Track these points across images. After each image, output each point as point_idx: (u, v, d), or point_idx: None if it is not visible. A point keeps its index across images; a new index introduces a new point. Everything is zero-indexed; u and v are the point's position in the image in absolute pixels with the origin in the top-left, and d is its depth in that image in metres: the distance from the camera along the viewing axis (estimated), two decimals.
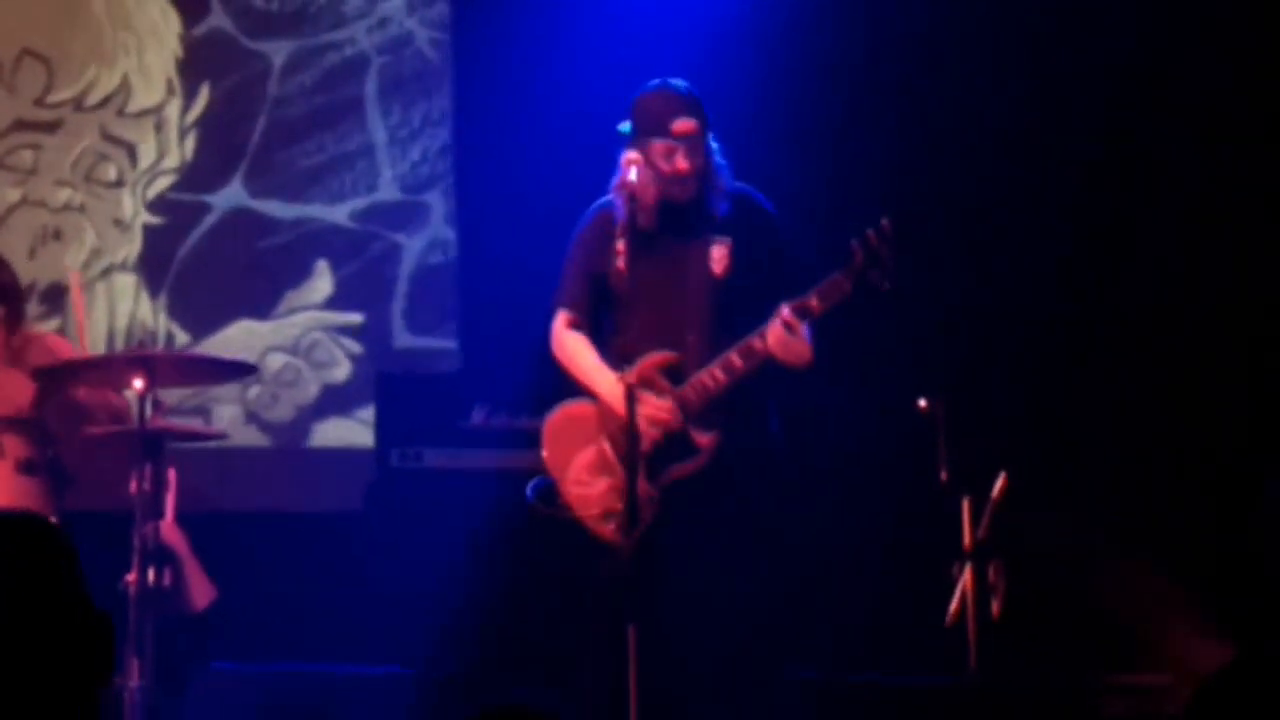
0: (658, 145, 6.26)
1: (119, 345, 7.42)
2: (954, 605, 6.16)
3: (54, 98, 7.32)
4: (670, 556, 6.28)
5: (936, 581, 6.22)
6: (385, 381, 7.59)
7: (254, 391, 7.28)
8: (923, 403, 6.24)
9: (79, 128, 7.26)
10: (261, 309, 7.28)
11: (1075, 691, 7.06)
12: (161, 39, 7.43)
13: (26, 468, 6.73)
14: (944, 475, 6.16)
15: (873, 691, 7.17)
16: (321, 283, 7.35)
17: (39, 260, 7.25)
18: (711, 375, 6.26)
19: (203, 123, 7.28)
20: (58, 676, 3.06)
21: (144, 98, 7.30)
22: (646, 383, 6.35)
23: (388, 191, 7.34)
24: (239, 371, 6.82)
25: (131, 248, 7.31)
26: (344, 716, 7.28)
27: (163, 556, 6.63)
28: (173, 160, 7.29)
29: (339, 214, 7.34)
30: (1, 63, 7.30)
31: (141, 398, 6.41)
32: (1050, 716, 7.05)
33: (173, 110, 7.28)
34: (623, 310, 6.36)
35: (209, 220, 7.32)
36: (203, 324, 7.26)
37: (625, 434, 6.19)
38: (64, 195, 7.31)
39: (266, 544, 7.79)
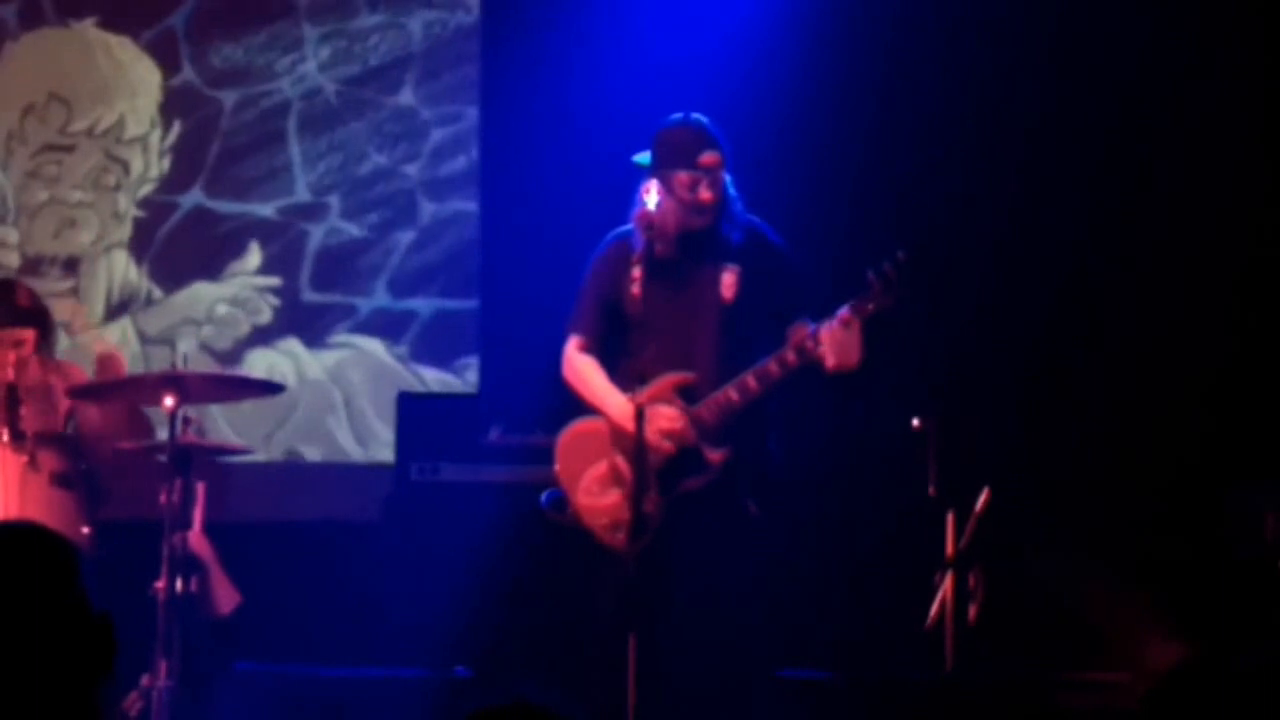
0: (682, 177, 6.54)
1: (115, 299, 8.45)
2: (934, 609, 6.48)
3: (72, 128, 8.45)
4: (674, 563, 6.55)
5: (921, 587, 6.59)
6: (406, 401, 8.16)
7: (206, 330, 8.40)
8: (916, 422, 6.60)
9: (89, 149, 8.45)
10: (212, 273, 8.45)
11: (1041, 688, 7.23)
12: (148, 88, 8.51)
13: (61, 481, 7.11)
14: (932, 490, 6.52)
15: (857, 688, 7.32)
16: (254, 256, 8.49)
17: (60, 240, 8.44)
18: (726, 396, 6.52)
19: (175, 147, 8.46)
20: (56, 674, 3.12)
21: (135, 129, 8.47)
22: (661, 401, 6.56)
23: (301, 195, 8.48)
24: (266, 390, 7.73)
25: (124, 232, 8.47)
26: (361, 716, 7.51)
27: (190, 564, 7.02)
28: (154, 172, 8.48)
29: (267, 210, 8.47)
30: (35, 103, 8.41)
31: (172, 415, 6.93)
32: (1018, 710, 7.18)
33: (154, 138, 8.48)
34: (637, 334, 6.61)
35: (178, 214, 8.49)
36: (172, 284, 8.45)
37: (632, 452, 6.43)
38: (78, 195, 8.46)
39: (290, 553, 8.17)
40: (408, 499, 7.88)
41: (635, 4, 8.41)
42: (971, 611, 6.38)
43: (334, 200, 8.51)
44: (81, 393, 7.32)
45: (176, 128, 8.48)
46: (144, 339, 8.41)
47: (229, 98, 8.52)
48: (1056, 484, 8.05)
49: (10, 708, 3.09)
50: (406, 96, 8.50)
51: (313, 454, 8.48)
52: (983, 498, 6.47)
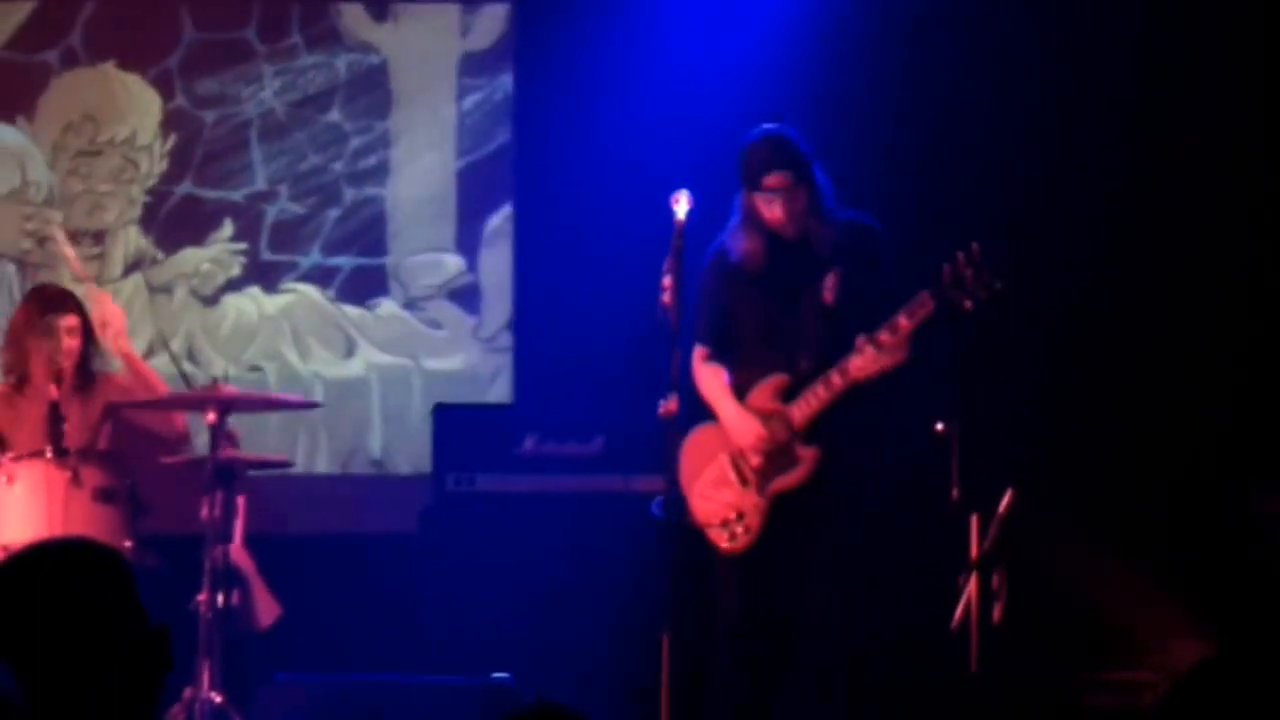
0: (757, 196, 6.20)
1: (130, 260, 9.09)
2: (959, 611, 6.05)
3: (99, 139, 9.17)
4: (775, 564, 6.21)
5: (946, 590, 6.17)
6: (442, 412, 7.83)
7: (194, 282, 9.12)
8: (939, 426, 6.14)
9: (111, 154, 9.15)
10: (199, 241, 9.22)
11: (1067, 688, 6.76)
12: (152, 110, 9.24)
13: (104, 496, 6.64)
14: (955, 493, 6.09)
15: (883, 690, 6.69)
16: (227, 228, 9.25)
17: (91, 218, 9.15)
18: (814, 393, 6.18)
19: (171, 152, 9.21)
20: (117, 687, 2.89)
21: (143, 139, 9.20)
22: (758, 408, 6.21)
23: (260, 185, 9.24)
24: (303, 407, 7.94)
25: (136, 212, 9.21)
26: None
27: (231, 577, 6.55)
28: (157, 170, 9.20)
29: (237, 196, 9.24)
30: (72, 122, 9.11)
31: (213, 429, 6.64)
32: (1044, 711, 6.78)
33: (157, 145, 9.19)
34: (740, 341, 6.28)
35: (174, 199, 9.25)
36: (170, 249, 9.15)
37: (739, 455, 6.17)
38: (104, 187, 9.15)
39: (329, 564, 7.79)
40: (444, 509, 7.52)
41: (666, 10, 8.39)
42: (996, 613, 6.00)
43: (283, 189, 9.22)
44: (126, 409, 7.23)
45: (173, 138, 9.19)
46: (150, 288, 9.12)
47: (209, 116, 9.22)
48: (1079, 486, 7.58)
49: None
50: (334, 115, 9.23)
51: (269, 366, 9.11)
52: (1006, 500, 6.09)
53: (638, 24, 8.31)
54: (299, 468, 8.28)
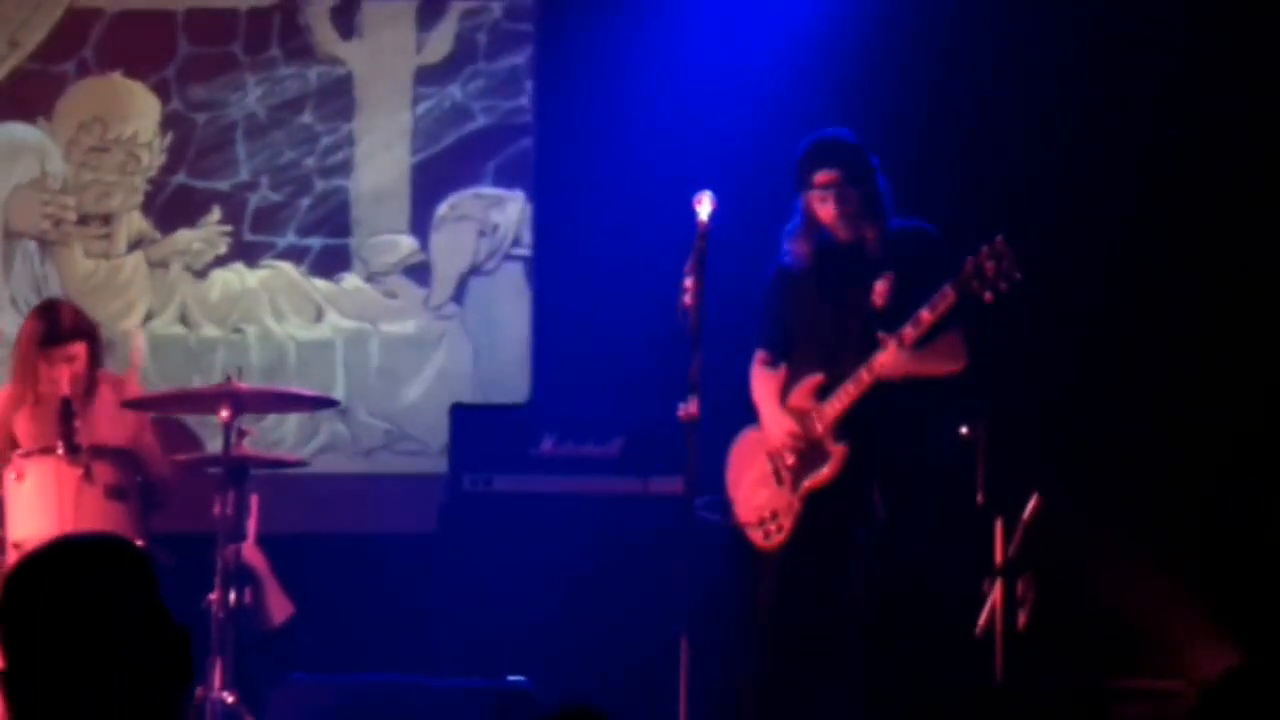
0: (811, 195, 6.12)
1: (133, 240, 9.71)
2: (983, 618, 5.94)
3: (107, 137, 9.82)
4: (806, 562, 6.12)
5: (970, 595, 6.04)
6: (459, 412, 7.74)
7: (187, 258, 9.72)
8: (964, 430, 5.99)
9: (117, 150, 9.81)
10: (191, 223, 9.85)
11: (1092, 696, 6.54)
12: (152, 112, 9.91)
13: (116, 493, 6.51)
14: (981, 497, 5.95)
15: (906, 696, 6.49)
16: (215, 213, 9.87)
17: (100, 204, 9.73)
18: (845, 390, 6.09)
19: (168, 147, 9.84)
20: (141, 688, 2.78)
21: (144, 137, 9.85)
22: (796, 408, 6.11)
23: (244, 177, 9.87)
24: (318, 405, 8.03)
25: (138, 199, 9.86)
26: None
27: (244, 576, 6.37)
28: (156, 163, 9.85)
29: (224, 185, 9.86)
30: (84, 122, 9.74)
31: (227, 427, 6.50)
32: (1069, 719, 6.51)
33: (156, 142, 9.82)
34: (793, 343, 6.12)
35: (170, 188, 9.87)
36: (166, 230, 9.75)
37: (776, 454, 6.03)
38: (111, 177, 9.76)
39: (344, 563, 7.61)
40: (461, 510, 7.40)
41: (692, 8, 8.36)
42: (1021, 619, 5.89)
43: (264, 180, 9.86)
44: (137, 404, 7.18)
45: (170, 136, 9.88)
46: (150, 263, 9.79)
47: (201, 118, 9.88)
48: (1106, 490, 7.37)
49: None
50: (307, 117, 9.86)
51: (250, 329, 9.70)
52: (1031, 505, 5.99)
53: (662, 22, 8.40)
54: (313, 466, 8.70)
